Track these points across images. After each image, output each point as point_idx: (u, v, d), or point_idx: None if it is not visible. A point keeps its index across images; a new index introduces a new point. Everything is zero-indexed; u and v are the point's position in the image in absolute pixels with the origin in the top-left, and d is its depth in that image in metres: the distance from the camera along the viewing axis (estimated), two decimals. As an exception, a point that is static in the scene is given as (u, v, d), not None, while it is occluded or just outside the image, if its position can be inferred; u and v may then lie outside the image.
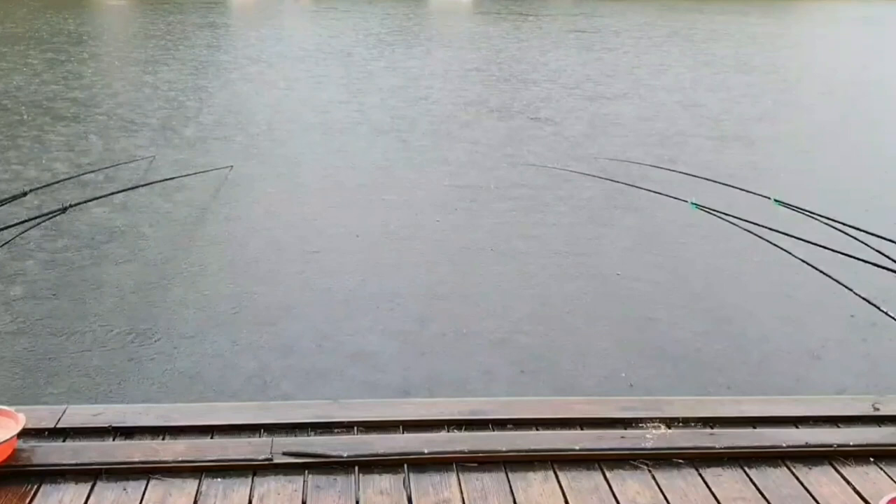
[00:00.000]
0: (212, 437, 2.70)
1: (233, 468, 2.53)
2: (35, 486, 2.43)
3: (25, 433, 2.55)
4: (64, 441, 2.63)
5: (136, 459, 2.53)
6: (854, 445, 2.76)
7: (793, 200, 4.75)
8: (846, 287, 3.79)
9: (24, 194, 5.20)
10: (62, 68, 13.55)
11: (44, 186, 6.69)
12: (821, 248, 4.12)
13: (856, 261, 3.86)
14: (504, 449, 2.66)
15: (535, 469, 2.61)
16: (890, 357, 4.83)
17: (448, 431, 2.76)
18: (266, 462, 2.54)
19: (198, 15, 22.55)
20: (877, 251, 3.85)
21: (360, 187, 7.76)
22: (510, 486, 2.52)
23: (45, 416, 2.71)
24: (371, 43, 18.02)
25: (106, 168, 7.78)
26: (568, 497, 2.49)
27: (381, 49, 17.15)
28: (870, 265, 3.74)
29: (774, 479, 2.62)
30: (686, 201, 5.10)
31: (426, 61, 15.75)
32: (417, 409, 2.93)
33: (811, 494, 2.55)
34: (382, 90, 12.57)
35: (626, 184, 6.93)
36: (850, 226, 4.20)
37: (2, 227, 4.71)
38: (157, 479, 2.48)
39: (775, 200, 4.85)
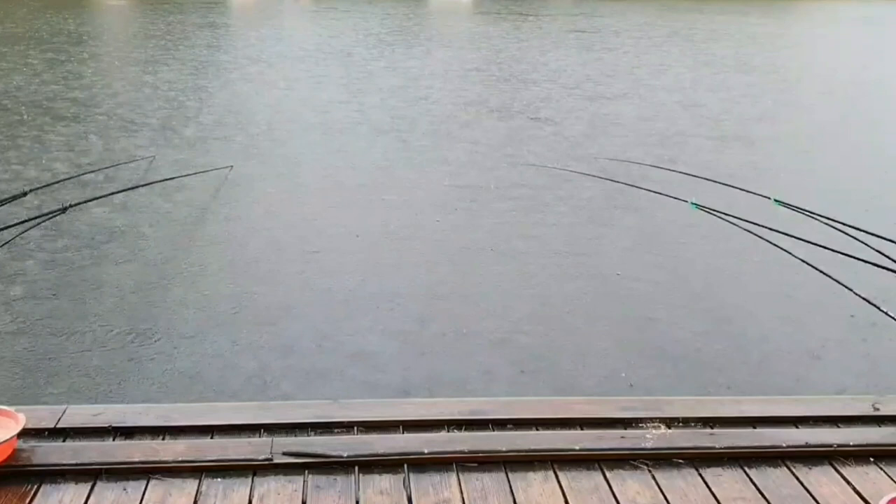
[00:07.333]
0: (212, 437, 2.70)
1: (233, 468, 2.53)
2: (35, 486, 2.42)
3: (25, 433, 2.55)
4: (64, 441, 2.63)
5: (136, 459, 2.52)
6: (854, 445, 2.76)
7: (793, 200, 4.75)
8: (846, 287, 3.79)
9: (24, 194, 5.21)
10: (62, 68, 13.55)
11: (44, 186, 6.69)
12: (821, 248, 4.12)
13: (856, 261, 3.86)
14: (504, 449, 2.66)
15: (535, 469, 2.61)
16: (890, 357, 4.83)
17: (448, 431, 2.76)
18: (266, 462, 2.54)
19: (198, 15, 22.55)
20: (877, 251, 3.85)
21: (360, 187, 7.76)
22: (510, 486, 2.52)
23: (45, 416, 2.71)
24: (371, 43, 18.02)
25: (106, 168, 7.78)
26: (568, 497, 2.49)
27: (381, 49, 17.15)
28: (870, 265, 3.74)
29: (774, 479, 2.62)
30: (686, 201, 5.10)
31: (426, 61, 15.75)
32: (417, 409, 2.93)
33: (811, 494, 2.55)
34: (382, 90, 12.57)
35: (626, 184, 6.93)
36: (850, 226, 4.20)
37: (2, 227, 4.71)
38: (157, 479, 2.48)
39: (775, 200, 4.85)
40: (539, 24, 23.08)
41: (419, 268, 5.87)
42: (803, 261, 4.20)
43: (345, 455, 2.58)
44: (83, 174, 7.48)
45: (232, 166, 8.00)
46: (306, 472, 2.54)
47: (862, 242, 4.04)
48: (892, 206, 7.66)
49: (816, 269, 4.12)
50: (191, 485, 2.46)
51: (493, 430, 2.79)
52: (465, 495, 2.47)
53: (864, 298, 3.66)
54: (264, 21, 22.78)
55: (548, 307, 5.33)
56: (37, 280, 5.41)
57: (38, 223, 5.36)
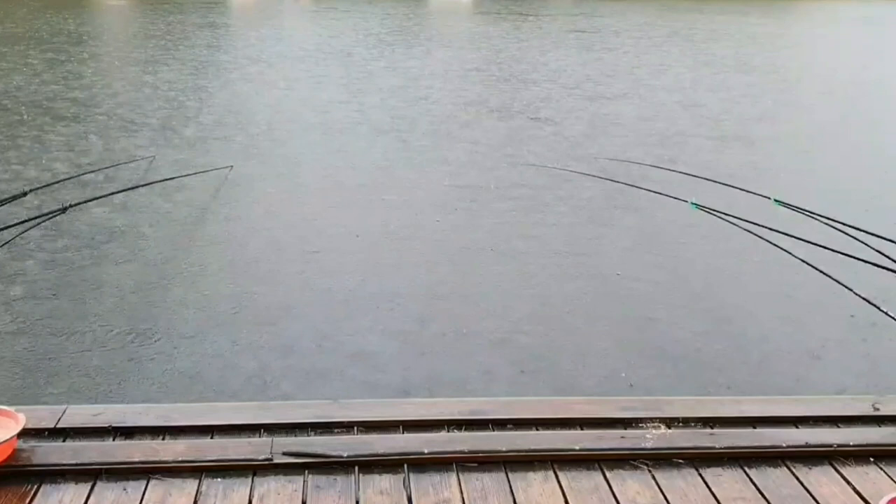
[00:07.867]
0: (212, 437, 2.70)
1: (233, 468, 2.53)
2: (35, 486, 2.42)
3: (25, 433, 2.55)
4: (64, 441, 2.63)
5: (136, 459, 2.52)
6: (854, 445, 2.76)
7: (793, 200, 4.75)
8: (846, 287, 3.79)
9: (24, 194, 5.21)
10: (62, 68, 13.55)
11: (44, 186, 6.69)
12: (821, 248, 4.12)
13: (856, 261, 3.86)
14: (504, 449, 2.66)
15: (535, 469, 2.61)
16: (890, 357, 4.83)
17: (448, 431, 2.76)
18: (266, 462, 2.54)
19: (198, 15, 22.55)
20: (877, 251, 3.86)
21: (360, 187, 7.76)
22: (510, 486, 2.52)
23: (45, 416, 2.71)
24: (371, 43, 18.02)
25: (106, 168, 7.78)
26: (568, 497, 2.49)
27: (381, 49, 17.15)
28: (870, 265, 3.74)
29: (774, 479, 2.62)
30: (686, 201, 5.10)
31: (426, 61, 15.75)
32: (417, 409, 2.93)
33: (811, 494, 2.55)
34: (382, 90, 12.57)
35: (626, 184, 6.93)
36: (850, 226, 4.20)
37: (2, 227, 4.71)
38: (157, 479, 2.48)
39: (775, 200, 4.85)
40: (539, 24, 23.08)
41: (419, 268, 5.87)
42: (803, 261, 4.20)
43: (345, 455, 2.58)
44: (83, 174, 7.48)
45: (232, 166, 8.00)
46: (306, 472, 2.54)
47: (862, 242, 4.04)
48: (892, 206, 7.66)
49: (816, 269, 4.12)
50: (191, 485, 2.46)
51: (493, 430, 2.79)
52: (465, 495, 2.47)
53: (864, 298, 3.66)
54: (264, 21, 22.78)
55: (548, 307, 5.33)
56: (37, 280, 5.41)
57: (38, 223, 5.36)
